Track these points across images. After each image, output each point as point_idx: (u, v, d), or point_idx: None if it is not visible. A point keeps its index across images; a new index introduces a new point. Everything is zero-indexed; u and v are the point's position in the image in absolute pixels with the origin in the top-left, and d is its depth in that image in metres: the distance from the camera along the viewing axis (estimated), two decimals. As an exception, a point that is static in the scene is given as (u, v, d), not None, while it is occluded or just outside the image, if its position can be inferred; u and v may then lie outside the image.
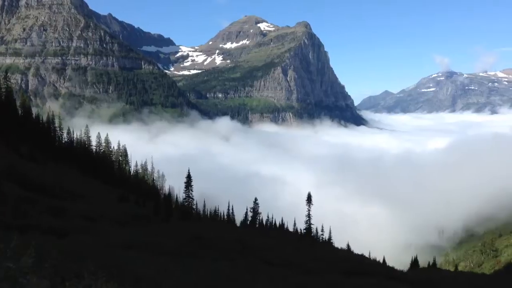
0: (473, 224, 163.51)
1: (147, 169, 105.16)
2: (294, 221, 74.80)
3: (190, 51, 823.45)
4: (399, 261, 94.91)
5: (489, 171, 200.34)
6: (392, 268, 48.25)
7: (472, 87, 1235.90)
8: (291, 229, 76.04)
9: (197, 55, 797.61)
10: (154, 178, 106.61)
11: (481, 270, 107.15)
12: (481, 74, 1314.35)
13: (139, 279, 13.54)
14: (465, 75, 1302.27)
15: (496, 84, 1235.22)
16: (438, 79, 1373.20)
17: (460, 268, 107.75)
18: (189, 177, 57.43)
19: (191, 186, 57.74)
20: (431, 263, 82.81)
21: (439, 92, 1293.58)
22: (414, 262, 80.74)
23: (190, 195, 58.15)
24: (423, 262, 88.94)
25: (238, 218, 79.08)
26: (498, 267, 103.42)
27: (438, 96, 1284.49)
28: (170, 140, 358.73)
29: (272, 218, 79.83)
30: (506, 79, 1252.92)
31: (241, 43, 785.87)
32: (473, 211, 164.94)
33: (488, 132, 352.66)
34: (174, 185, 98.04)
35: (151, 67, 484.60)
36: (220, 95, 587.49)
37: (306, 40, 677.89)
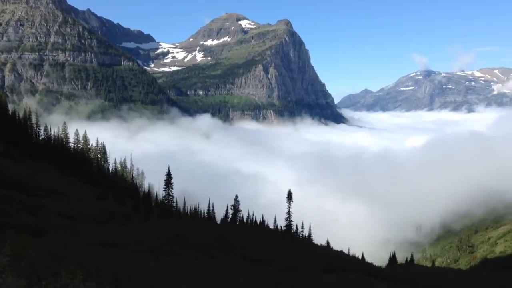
0: (450, 221, 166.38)
1: (126, 166, 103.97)
2: (275, 218, 75.01)
3: (171, 47, 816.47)
4: (378, 257, 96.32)
5: (466, 168, 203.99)
6: (370, 264, 48.93)
7: (450, 86, 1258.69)
8: (271, 226, 76.27)
9: (177, 52, 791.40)
10: (134, 176, 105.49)
11: (457, 265, 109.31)
12: (458, 73, 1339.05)
13: (118, 278, 13.41)
14: (443, 74, 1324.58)
15: (473, 83, 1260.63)
16: (417, 78, 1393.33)
17: (437, 264, 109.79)
18: (169, 174, 57.07)
19: (171, 183, 57.40)
20: (408, 259, 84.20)
21: (418, 91, 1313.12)
22: (392, 258, 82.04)
23: (170, 192, 57.81)
24: (401, 258, 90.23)
25: (219, 216, 78.97)
26: (474, 262, 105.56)
27: (416, 95, 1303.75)
28: (150, 138, 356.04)
29: (253, 215, 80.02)
30: (482, 79, 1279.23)
31: (222, 40, 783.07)
32: (450, 208, 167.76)
33: (465, 130, 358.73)
34: (154, 182, 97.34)
35: (130, 64, 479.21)
36: (200, 92, 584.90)
37: (287, 38, 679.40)
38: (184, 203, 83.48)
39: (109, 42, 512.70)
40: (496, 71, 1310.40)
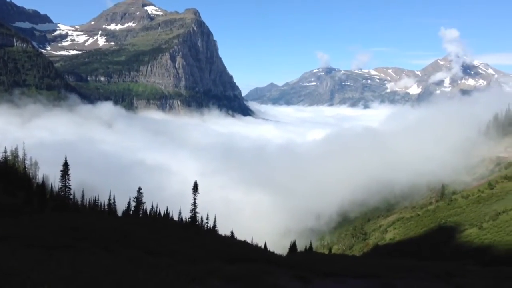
0: (347, 210, 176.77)
1: (18, 156, 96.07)
2: (180, 210, 74.48)
3: (70, 30, 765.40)
4: (280, 246, 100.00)
5: (361, 161, 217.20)
6: (272, 253, 50.68)
7: (348, 83, 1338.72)
8: (176, 218, 75.55)
9: (77, 35, 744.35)
10: (26, 166, 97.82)
11: (352, 252, 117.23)
12: (356, 71, 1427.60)
13: (8, 274, 12.50)
14: (342, 71, 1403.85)
15: (369, 81, 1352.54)
16: (319, 74, 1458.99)
17: (333, 251, 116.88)
18: (66, 165, 54.00)
19: (68, 174, 54.41)
20: (308, 247, 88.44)
21: (319, 87, 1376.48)
22: (293, 246, 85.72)
23: (67, 184, 54.82)
24: (301, 246, 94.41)
25: (120, 209, 76.38)
26: (367, 249, 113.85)
27: (318, 90, 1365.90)
28: (46, 125, 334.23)
29: (157, 207, 78.53)
30: (378, 77, 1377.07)
31: (126, 25, 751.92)
32: (347, 198, 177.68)
33: (360, 125, 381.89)
34: (49, 173, 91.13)
35: (24, 45, 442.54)
36: (102, 79, 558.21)
37: (195, 28, 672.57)
38: (83, 196, 79.40)
39: (0, 21, 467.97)
40: (389, 71, 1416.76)
